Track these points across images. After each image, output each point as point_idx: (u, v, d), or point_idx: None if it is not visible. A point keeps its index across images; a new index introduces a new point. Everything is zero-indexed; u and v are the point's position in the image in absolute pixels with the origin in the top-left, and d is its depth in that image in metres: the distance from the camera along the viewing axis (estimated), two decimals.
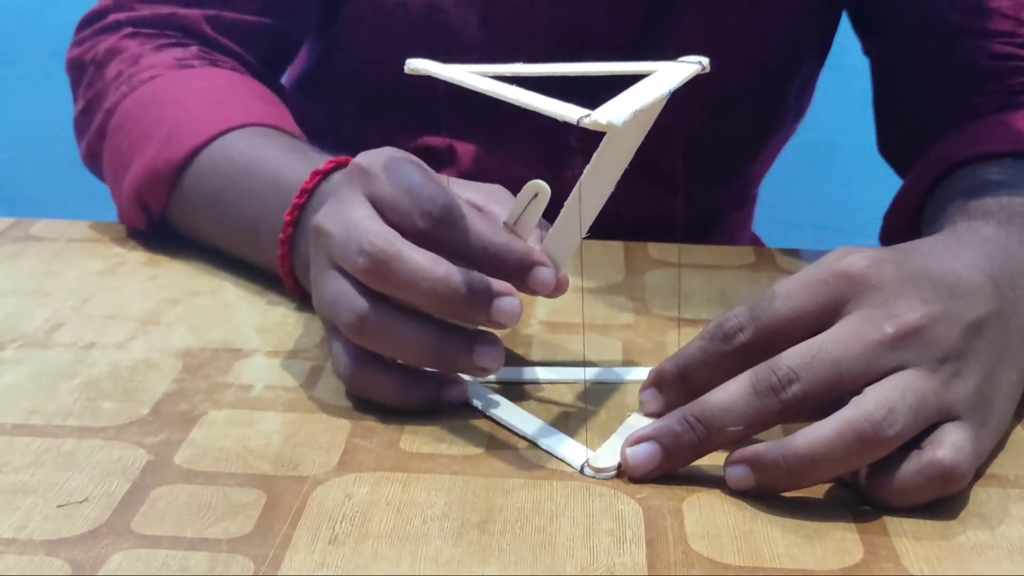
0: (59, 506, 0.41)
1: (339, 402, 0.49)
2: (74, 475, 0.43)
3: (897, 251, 0.46)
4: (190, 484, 0.43)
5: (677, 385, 0.46)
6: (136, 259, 0.65)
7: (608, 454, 0.45)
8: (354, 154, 0.50)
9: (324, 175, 0.55)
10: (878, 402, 0.41)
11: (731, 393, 0.43)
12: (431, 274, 0.45)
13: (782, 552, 0.40)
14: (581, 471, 0.45)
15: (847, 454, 0.41)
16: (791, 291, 0.45)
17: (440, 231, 0.46)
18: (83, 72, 0.70)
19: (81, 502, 0.42)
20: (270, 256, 0.57)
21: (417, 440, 0.46)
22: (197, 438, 0.46)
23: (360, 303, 0.46)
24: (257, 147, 0.61)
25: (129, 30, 0.70)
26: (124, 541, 0.39)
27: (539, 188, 0.46)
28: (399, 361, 0.48)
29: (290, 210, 0.54)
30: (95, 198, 1.28)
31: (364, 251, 0.45)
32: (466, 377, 0.50)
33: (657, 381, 0.47)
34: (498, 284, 0.46)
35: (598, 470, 0.44)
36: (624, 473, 0.44)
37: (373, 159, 0.48)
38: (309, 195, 0.54)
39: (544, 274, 0.47)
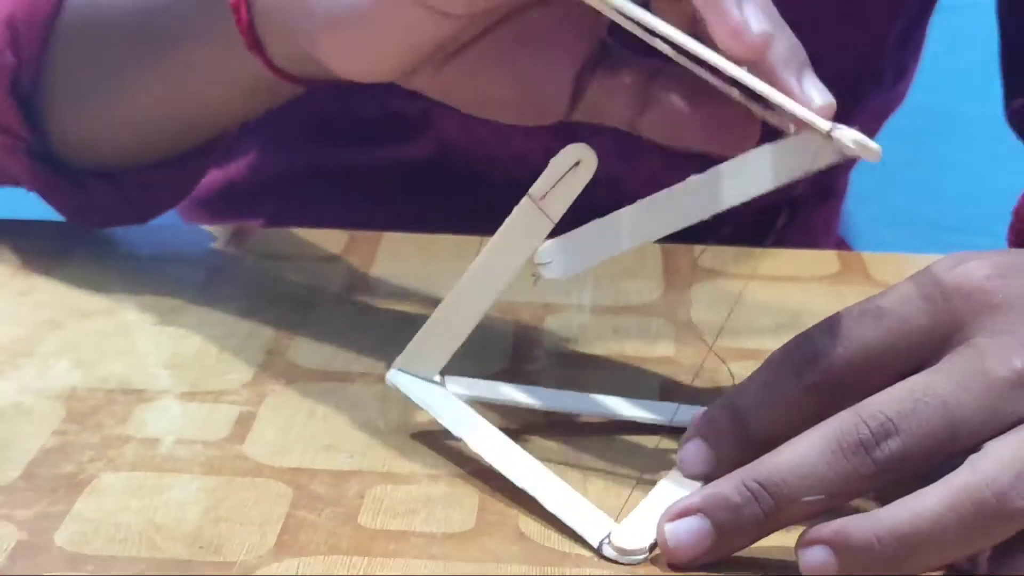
0: None
1: (277, 462, 0.50)
2: None
3: (1018, 263, 0.46)
4: (76, 573, 0.43)
5: (731, 436, 0.45)
6: (2, 267, 0.65)
7: (637, 529, 0.45)
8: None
9: None
10: (1004, 463, 0.41)
11: (807, 450, 0.43)
12: None
13: None
14: (598, 550, 0.45)
15: (963, 532, 0.41)
16: (884, 310, 0.45)
17: None
18: None
19: None
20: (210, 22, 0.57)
21: (382, 512, 0.47)
22: (85, 511, 0.46)
23: None
24: None
25: None
26: None
27: (582, 154, 0.46)
28: None
29: None
30: None
31: None
32: (448, 405, 0.50)
33: (704, 431, 0.46)
34: None
35: (622, 551, 0.44)
36: (659, 557, 0.44)
37: None
38: None
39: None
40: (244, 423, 0.52)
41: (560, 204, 0.47)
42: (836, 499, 0.43)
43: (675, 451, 0.50)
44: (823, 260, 0.69)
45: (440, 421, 0.50)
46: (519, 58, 0.53)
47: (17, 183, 0.67)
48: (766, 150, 0.47)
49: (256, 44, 0.56)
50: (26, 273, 0.64)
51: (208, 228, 0.73)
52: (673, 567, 0.44)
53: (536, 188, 0.47)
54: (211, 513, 0.46)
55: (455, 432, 0.49)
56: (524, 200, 0.47)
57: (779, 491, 0.43)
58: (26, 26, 0.63)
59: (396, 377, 0.51)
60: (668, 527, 0.43)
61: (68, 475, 0.48)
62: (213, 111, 0.64)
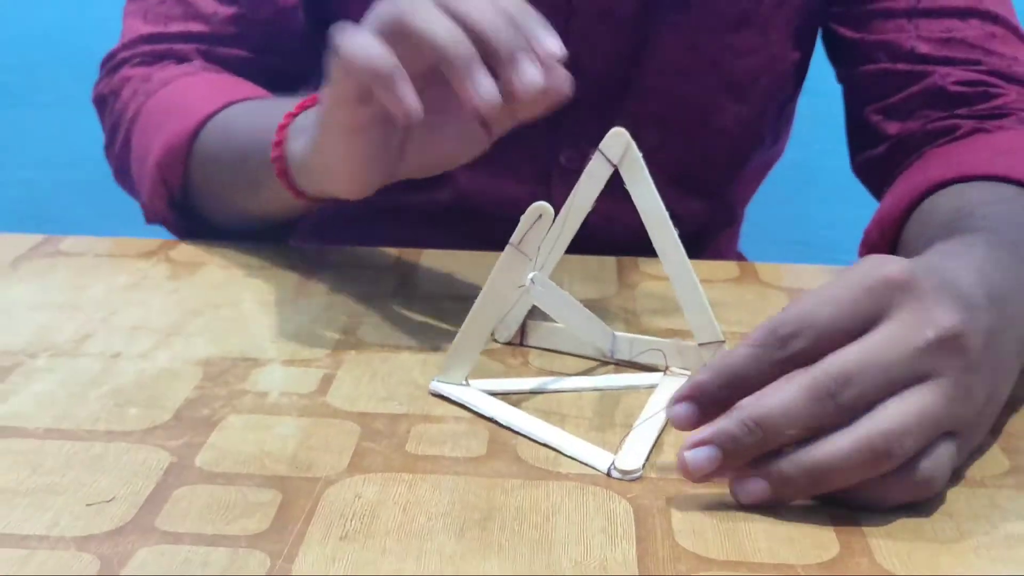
0: (88, 505, 0.42)
1: (350, 407, 0.49)
2: (102, 476, 0.44)
3: (919, 263, 0.45)
4: (210, 485, 0.43)
5: (722, 395, 0.42)
6: (159, 273, 0.65)
7: (631, 456, 0.45)
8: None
9: (304, 108, 0.59)
10: (896, 421, 0.40)
11: (789, 397, 0.41)
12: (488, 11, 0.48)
13: (763, 548, 0.40)
14: (608, 474, 0.44)
15: (861, 469, 0.41)
16: (838, 297, 0.42)
17: None
18: (104, 104, 0.75)
19: (109, 501, 0.42)
20: (267, 170, 0.60)
21: (422, 443, 0.47)
22: (217, 442, 0.46)
23: None
24: (250, 109, 0.66)
25: (137, 60, 0.74)
26: (149, 537, 0.40)
27: (543, 210, 0.46)
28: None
29: (285, 118, 0.59)
30: (115, 217, 1.28)
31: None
32: (479, 397, 0.50)
33: (694, 394, 0.43)
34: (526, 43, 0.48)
35: (625, 472, 0.44)
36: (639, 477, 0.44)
37: None
38: (293, 117, 0.59)
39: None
40: (327, 381, 0.52)
41: (532, 245, 0.47)
42: (807, 431, 0.41)
43: (637, 401, 0.50)
44: (727, 268, 0.69)
45: (477, 411, 0.49)
46: (440, 127, 0.54)
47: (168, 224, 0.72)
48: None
49: (290, 184, 0.60)
50: (175, 278, 0.64)
51: (302, 246, 0.73)
52: (694, 481, 0.42)
53: (514, 237, 0.47)
54: (303, 443, 0.46)
55: (485, 414, 0.49)
56: (508, 247, 0.47)
57: (769, 426, 0.41)
58: (168, 168, 0.68)
59: (438, 386, 0.51)
60: (687, 454, 0.42)
61: (204, 417, 0.48)
62: (273, 211, 0.66)
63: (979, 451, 0.47)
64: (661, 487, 0.44)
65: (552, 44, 0.48)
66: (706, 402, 0.43)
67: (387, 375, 0.53)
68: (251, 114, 0.65)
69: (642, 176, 0.49)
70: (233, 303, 0.61)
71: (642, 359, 0.54)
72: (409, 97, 0.48)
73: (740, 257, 0.90)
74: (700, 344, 0.50)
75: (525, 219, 0.47)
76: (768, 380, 0.42)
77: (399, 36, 0.49)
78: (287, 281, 0.64)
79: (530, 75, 0.47)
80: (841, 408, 0.41)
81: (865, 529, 0.41)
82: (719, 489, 0.43)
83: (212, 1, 0.73)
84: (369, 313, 0.60)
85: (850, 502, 0.42)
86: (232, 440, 0.46)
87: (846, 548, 0.40)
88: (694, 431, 0.42)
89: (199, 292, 0.62)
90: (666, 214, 0.50)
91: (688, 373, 0.52)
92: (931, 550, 0.40)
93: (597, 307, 0.61)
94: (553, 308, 0.51)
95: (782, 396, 0.41)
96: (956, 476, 0.45)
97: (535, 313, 0.54)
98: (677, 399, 0.43)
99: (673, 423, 0.43)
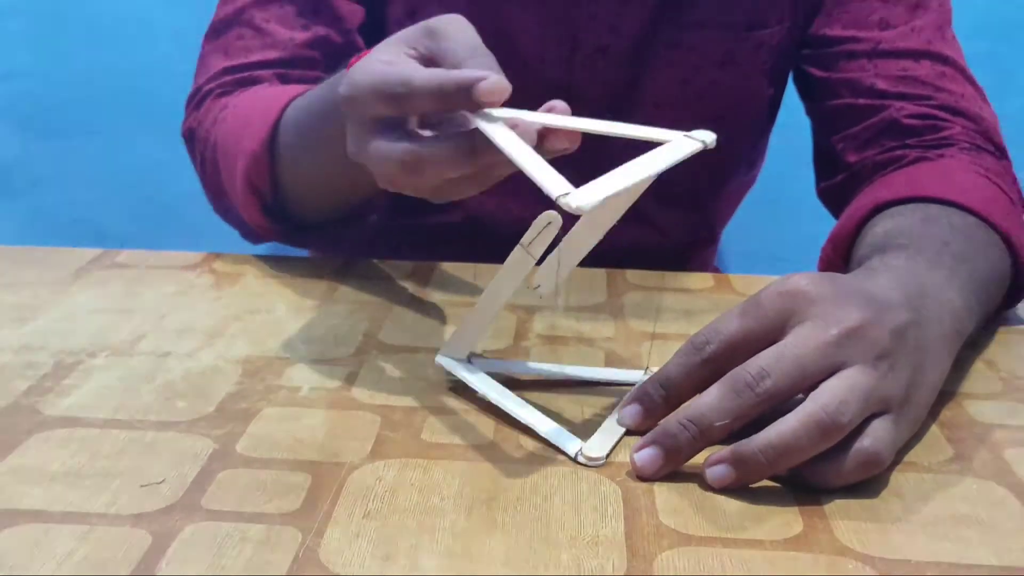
0: (142, 486, 0.42)
1: (371, 401, 0.50)
2: (154, 461, 0.44)
3: (829, 275, 0.46)
4: (249, 469, 0.43)
5: (659, 398, 0.45)
6: (203, 283, 0.65)
7: (598, 445, 0.45)
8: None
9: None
10: (832, 395, 0.41)
11: (715, 395, 0.43)
12: (425, 81, 0.45)
13: (736, 525, 0.40)
14: (575, 459, 0.45)
15: (811, 441, 0.41)
16: (747, 309, 0.45)
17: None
18: (193, 137, 0.72)
19: (159, 483, 0.42)
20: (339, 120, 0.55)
21: (436, 433, 0.47)
22: (254, 431, 0.46)
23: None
24: (311, 94, 0.62)
25: (219, 92, 0.71)
26: (195, 515, 0.40)
27: (552, 218, 0.46)
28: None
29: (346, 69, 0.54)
30: (164, 233, 1.29)
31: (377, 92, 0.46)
32: (462, 366, 0.50)
33: (639, 397, 0.46)
34: (474, 72, 0.44)
35: (590, 459, 0.44)
36: (609, 463, 0.44)
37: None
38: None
39: (487, 84, 0.44)
40: (351, 378, 0.52)
41: (539, 248, 0.47)
42: (736, 422, 0.42)
43: (615, 399, 0.50)
44: (704, 279, 0.69)
45: (470, 385, 0.49)
46: None
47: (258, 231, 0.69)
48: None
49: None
50: (218, 287, 0.65)
51: (330, 259, 0.73)
52: (643, 480, 0.43)
53: (524, 239, 0.47)
54: (331, 432, 0.46)
55: (479, 391, 0.49)
56: (517, 247, 0.47)
57: (700, 421, 0.43)
58: (255, 175, 0.64)
59: (441, 359, 0.51)
60: (635, 456, 0.43)
61: (243, 409, 0.49)
62: (353, 180, 0.61)
63: (923, 440, 0.47)
64: None
65: (489, 84, 0.44)
66: (647, 402, 0.46)
67: (404, 373, 0.53)
68: (311, 96, 0.62)
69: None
70: (268, 309, 0.61)
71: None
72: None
73: (717, 270, 0.90)
74: (556, 197, 0.40)
75: (536, 224, 0.47)
76: (694, 381, 0.44)
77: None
78: (316, 290, 0.64)
79: (490, 83, 0.44)
80: (760, 398, 0.42)
81: (826, 509, 0.42)
82: (697, 473, 0.43)
83: (287, 29, 0.71)
84: (388, 318, 0.60)
85: (811, 483, 0.43)
86: (268, 429, 0.47)
87: (809, 526, 0.40)
88: (641, 436, 0.44)
89: (239, 299, 0.62)
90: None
91: None
92: (884, 529, 0.40)
93: (589, 312, 0.61)
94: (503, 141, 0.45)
95: (709, 395, 0.43)
96: (905, 463, 0.45)
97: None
98: (625, 402, 0.46)
99: (621, 423, 0.46)
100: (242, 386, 0.51)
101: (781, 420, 0.42)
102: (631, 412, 0.46)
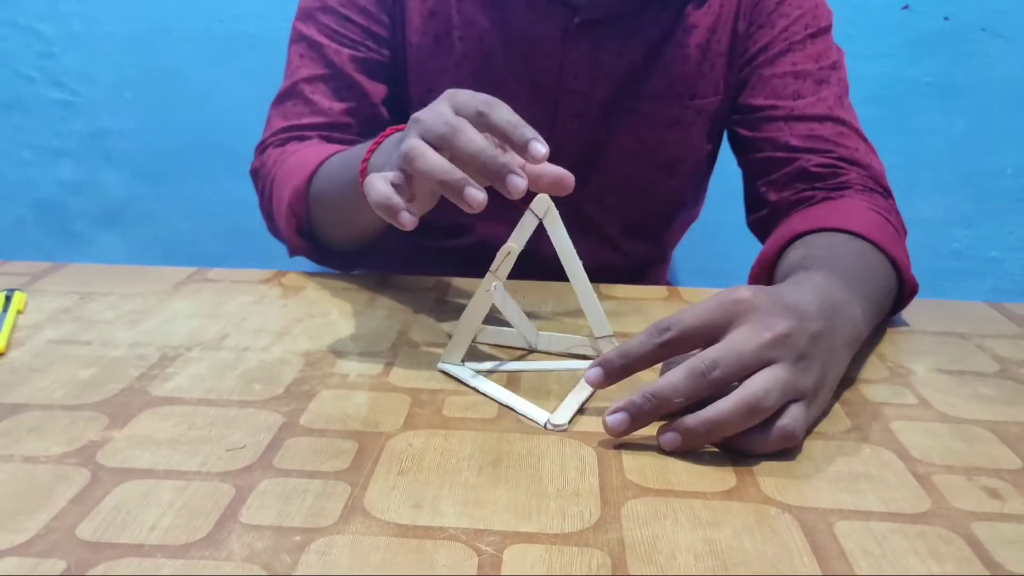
0: (227, 451, 0.42)
1: (404, 384, 0.49)
2: (236, 431, 0.44)
3: (765, 288, 0.46)
4: (309, 437, 0.43)
5: (619, 364, 0.44)
6: (274, 293, 0.65)
7: (563, 414, 0.45)
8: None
9: (385, 136, 0.55)
10: (760, 385, 0.41)
11: (675, 377, 0.42)
12: (479, 144, 0.45)
13: (684, 480, 0.40)
14: (544, 426, 0.45)
15: (741, 419, 0.41)
16: (701, 309, 0.44)
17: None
18: (257, 175, 0.74)
19: (241, 448, 0.42)
20: (357, 184, 0.56)
21: (454, 409, 0.47)
22: (314, 408, 0.46)
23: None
24: (344, 154, 0.63)
25: (277, 143, 0.73)
26: (268, 473, 0.40)
27: (511, 249, 0.46)
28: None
29: (366, 154, 0.55)
30: (244, 255, 1.29)
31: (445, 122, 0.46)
32: (459, 367, 0.49)
33: (603, 362, 0.44)
34: (513, 163, 0.44)
35: (556, 425, 0.44)
36: (572, 426, 0.44)
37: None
38: (378, 144, 0.55)
39: (515, 182, 0.44)
40: (388, 367, 0.52)
41: (504, 271, 0.47)
42: (689, 400, 0.42)
43: (576, 379, 0.50)
44: (658, 291, 0.69)
45: (466, 383, 0.49)
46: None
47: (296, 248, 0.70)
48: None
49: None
50: (285, 296, 0.64)
51: (371, 275, 0.73)
52: (612, 436, 0.43)
53: (493, 265, 0.47)
54: (372, 408, 0.46)
55: (472, 387, 0.49)
56: (488, 273, 0.47)
57: (660, 395, 0.42)
58: (296, 207, 0.66)
59: (441, 365, 0.51)
60: (608, 418, 0.43)
61: (305, 391, 0.48)
62: (367, 223, 0.63)
63: (829, 416, 0.47)
64: (617, 441, 0.44)
65: (539, 149, 0.45)
66: (609, 368, 0.44)
67: (429, 363, 0.53)
68: (344, 156, 0.63)
69: (558, 225, 0.47)
70: (324, 314, 0.61)
71: (574, 351, 0.53)
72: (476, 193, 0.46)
73: (670, 284, 0.90)
74: (597, 337, 0.49)
75: (499, 255, 0.47)
76: (651, 357, 0.43)
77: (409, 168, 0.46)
78: (360, 299, 0.64)
79: (515, 183, 0.44)
80: (711, 383, 0.42)
81: (754, 469, 0.42)
82: (654, 441, 0.43)
83: (328, 101, 0.72)
84: (416, 321, 0.60)
85: (741, 450, 0.43)
86: (324, 407, 0.47)
87: (740, 482, 0.40)
88: (614, 404, 0.43)
89: (301, 306, 0.62)
90: (573, 249, 0.47)
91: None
92: (799, 484, 0.41)
93: (567, 320, 0.61)
94: (504, 308, 0.50)
95: (670, 376, 0.42)
96: (815, 433, 0.45)
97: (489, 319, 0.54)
98: (591, 366, 0.45)
99: (587, 381, 0.45)
100: (304, 373, 0.51)
101: (720, 401, 0.41)
102: (595, 373, 0.45)
